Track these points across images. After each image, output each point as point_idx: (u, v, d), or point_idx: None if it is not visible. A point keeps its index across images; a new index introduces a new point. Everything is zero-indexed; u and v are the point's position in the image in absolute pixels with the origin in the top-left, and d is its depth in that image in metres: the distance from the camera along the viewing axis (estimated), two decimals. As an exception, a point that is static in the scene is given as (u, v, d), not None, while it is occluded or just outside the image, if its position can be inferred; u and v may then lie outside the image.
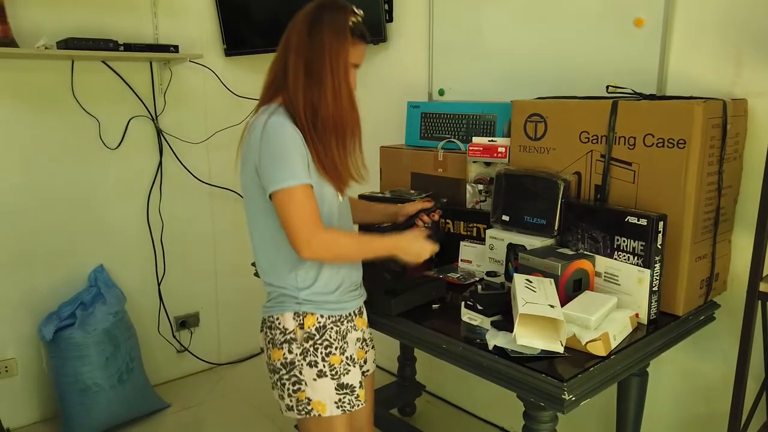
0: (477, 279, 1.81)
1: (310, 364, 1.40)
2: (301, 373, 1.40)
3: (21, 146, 2.33)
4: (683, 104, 1.47)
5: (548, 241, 1.68)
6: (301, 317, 1.41)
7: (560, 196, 1.65)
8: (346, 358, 1.44)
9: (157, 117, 2.60)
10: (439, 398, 2.68)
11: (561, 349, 1.27)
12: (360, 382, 1.46)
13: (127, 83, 2.50)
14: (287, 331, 1.40)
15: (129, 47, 2.33)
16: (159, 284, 2.71)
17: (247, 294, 2.87)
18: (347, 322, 1.47)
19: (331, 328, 1.43)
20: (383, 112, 2.59)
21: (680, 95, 1.67)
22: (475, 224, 1.95)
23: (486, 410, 2.51)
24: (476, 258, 1.88)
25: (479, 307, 1.47)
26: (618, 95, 1.70)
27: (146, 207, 2.65)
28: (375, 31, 2.49)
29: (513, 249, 1.72)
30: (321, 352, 1.41)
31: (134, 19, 2.49)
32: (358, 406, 1.44)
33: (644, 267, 1.46)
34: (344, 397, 1.42)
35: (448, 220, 2.01)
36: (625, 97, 1.67)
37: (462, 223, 1.97)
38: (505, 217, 1.78)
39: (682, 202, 1.49)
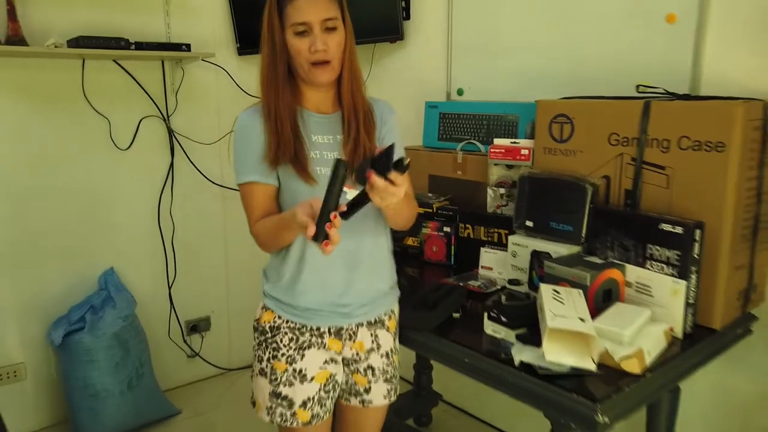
0: (499, 287, 1.73)
1: (258, 359, 1.39)
2: (254, 361, 1.41)
3: (31, 147, 2.28)
4: (722, 105, 1.39)
5: (575, 249, 1.59)
6: (263, 310, 1.40)
7: (588, 201, 1.57)
8: (294, 370, 1.34)
9: (168, 117, 2.55)
10: (456, 408, 2.60)
11: (593, 367, 1.19)
12: (305, 403, 1.35)
13: (138, 82, 2.45)
14: (255, 318, 1.42)
15: (140, 46, 2.28)
16: (170, 288, 2.66)
17: (259, 298, 2.79)
18: (311, 336, 1.36)
19: (285, 334, 1.35)
20: (400, 113, 2.50)
21: (716, 95, 1.58)
22: (496, 229, 1.87)
23: (506, 422, 2.42)
24: (497, 265, 1.80)
25: (504, 320, 1.39)
26: (650, 95, 1.61)
27: (157, 209, 2.59)
28: (392, 28, 2.41)
29: (537, 257, 1.64)
30: (268, 353, 1.36)
31: (146, 17, 2.44)
32: (292, 424, 1.35)
33: (680, 278, 1.37)
34: (276, 408, 1.35)
35: (467, 225, 1.93)
36: (657, 97, 1.58)
37: (482, 228, 1.89)
38: (529, 223, 1.70)
39: (720, 208, 1.40)
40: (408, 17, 2.45)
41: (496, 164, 1.89)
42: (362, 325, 1.40)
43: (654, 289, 1.42)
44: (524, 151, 1.80)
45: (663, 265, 1.40)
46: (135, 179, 2.52)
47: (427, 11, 2.41)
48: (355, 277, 1.36)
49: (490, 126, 2.03)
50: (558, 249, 1.60)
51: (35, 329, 2.36)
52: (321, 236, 1.06)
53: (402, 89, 2.56)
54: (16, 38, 2.06)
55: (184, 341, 2.75)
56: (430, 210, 2.00)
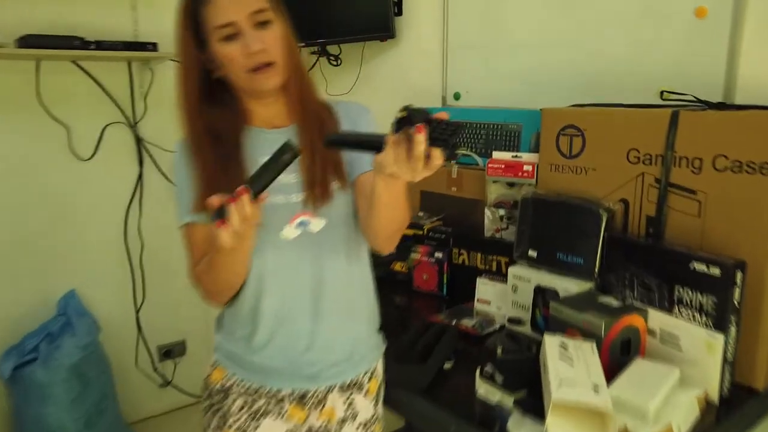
0: (497, 327, 1.48)
1: (205, 427, 1.15)
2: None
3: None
4: (770, 117, 1.13)
5: (586, 286, 1.34)
6: (212, 367, 1.15)
7: (602, 229, 1.32)
8: None
9: (136, 123, 2.31)
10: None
11: (610, 454, 0.94)
12: None
13: (101, 86, 2.22)
14: (204, 376, 1.17)
15: (101, 45, 2.05)
16: (137, 311, 2.43)
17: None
18: (268, 401, 1.11)
19: (237, 397, 1.11)
20: (387, 121, 2.27)
21: (755, 104, 1.32)
22: (495, 257, 1.62)
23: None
24: (496, 298, 1.56)
25: (499, 379, 1.14)
26: (677, 103, 1.36)
27: (124, 225, 2.36)
28: (382, 25, 2.17)
29: (542, 294, 1.39)
30: (216, 421, 1.12)
31: (111, 13, 2.20)
32: None
33: (716, 329, 1.12)
34: None
35: (462, 250, 1.68)
36: (686, 106, 1.33)
37: (479, 254, 1.65)
38: (532, 253, 1.45)
39: (766, 244, 1.14)
40: (400, 13, 2.20)
41: (494, 181, 1.64)
42: (333, 389, 1.14)
43: (683, 341, 1.17)
44: (527, 167, 1.55)
45: (694, 312, 1.15)
46: (99, 192, 2.29)
47: (421, 6, 2.16)
48: (320, 326, 1.10)
49: (489, 136, 1.78)
50: (566, 285, 1.35)
51: (-14, 359, 2.14)
52: (219, 213, 0.85)
53: (393, 93, 2.31)
54: (-44, 37, 1.84)
55: (155, 369, 2.52)
56: (421, 232, 1.76)
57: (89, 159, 2.25)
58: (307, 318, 1.09)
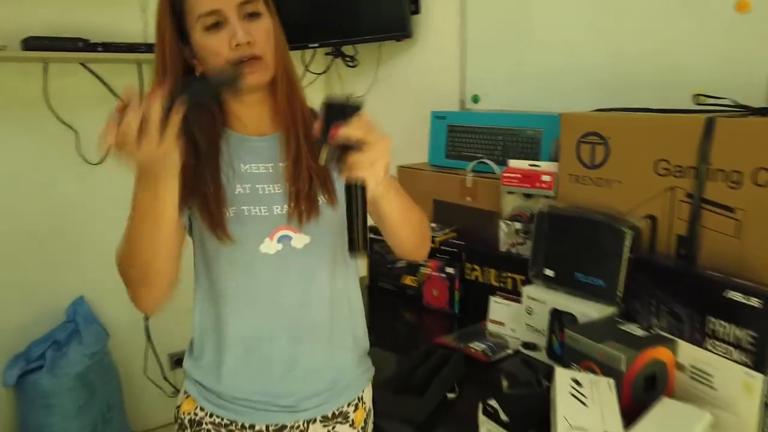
0: (510, 351, 1.36)
1: None
2: None
3: (-14, 163, 2.03)
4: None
5: (608, 310, 1.21)
6: (184, 395, 1.05)
7: (626, 248, 1.19)
8: None
9: (147, 127, 2.26)
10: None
11: None
12: None
13: (110, 89, 2.17)
14: (176, 405, 1.08)
15: (107, 47, 2.00)
16: (147, 319, 2.38)
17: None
18: None
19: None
20: (404, 124, 2.16)
21: (805, 109, 1.17)
22: (509, 274, 1.49)
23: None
24: (510, 319, 1.43)
25: (504, 418, 1.02)
26: (713, 108, 1.21)
27: (134, 230, 2.31)
28: (398, 25, 2.06)
29: (558, 317, 1.27)
30: None
31: (121, 15, 2.15)
32: None
33: (755, 369, 0.98)
34: None
35: (475, 266, 1.56)
36: (723, 111, 1.18)
37: (493, 271, 1.53)
38: (549, 272, 1.33)
39: (815, 271, 1.00)
40: (417, 11, 2.09)
41: (510, 192, 1.52)
42: (314, 421, 1.04)
43: (716, 380, 1.03)
44: (545, 178, 1.43)
45: (730, 347, 1.01)
46: (108, 197, 2.23)
47: (439, 3, 2.04)
48: (300, 351, 1.00)
49: (507, 142, 1.66)
50: (585, 309, 1.22)
51: (-6, 365, 2.12)
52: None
53: (408, 96, 2.20)
54: (-39, 40, 1.81)
55: (164, 377, 2.47)
56: (432, 244, 1.64)
57: (98, 163, 2.20)
58: (284, 342, 0.99)
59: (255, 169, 0.98)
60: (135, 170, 0.80)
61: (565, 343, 1.15)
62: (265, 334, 0.98)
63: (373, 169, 0.78)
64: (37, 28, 1.95)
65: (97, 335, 2.15)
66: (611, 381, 1.00)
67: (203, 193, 0.93)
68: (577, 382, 1.00)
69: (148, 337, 2.39)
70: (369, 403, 1.12)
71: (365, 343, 1.12)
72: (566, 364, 1.13)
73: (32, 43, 1.85)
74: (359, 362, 1.10)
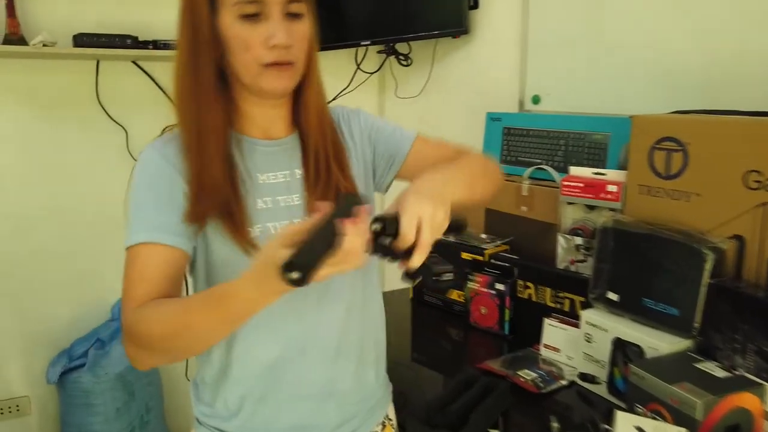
0: (566, 383, 1.21)
1: None
2: None
3: (37, 159, 2.04)
4: None
5: (681, 344, 1.05)
6: None
7: (706, 273, 1.02)
8: None
9: (195, 126, 2.23)
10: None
11: None
12: None
13: (160, 87, 2.15)
14: None
15: (156, 44, 1.97)
16: (190, 321, 2.34)
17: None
18: None
19: None
20: (457, 126, 2.03)
21: None
22: (567, 294, 1.34)
23: None
24: (567, 346, 1.28)
25: (551, 468, 0.88)
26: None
27: (180, 230, 2.28)
28: (455, 20, 1.93)
29: (622, 348, 1.11)
30: None
31: (171, 11, 2.12)
32: None
33: None
34: None
35: (528, 283, 1.41)
36: (832, 114, 1.00)
37: (548, 290, 1.37)
38: (613, 295, 1.17)
39: None
40: (476, 6, 1.95)
41: (570, 203, 1.36)
42: None
43: (817, 438, 0.85)
44: (611, 188, 1.27)
45: (837, 400, 0.83)
46: (156, 196, 2.23)
47: (500, -2, 1.90)
48: (338, 370, 0.92)
49: (569, 148, 1.50)
50: (654, 341, 1.06)
51: (41, 361, 2.12)
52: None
53: (463, 96, 2.06)
54: (14, 37, 1.81)
55: (206, 381, 2.43)
56: (481, 258, 1.51)
57: (147, 162, 2.19)
58: (321, 362, 0.91)
59: (273, 179, 0.89)
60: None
61: (629, 380, 0.99)
62: (293, 355, 0.89)
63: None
64: (87, 26, 1.94)
65: (140, 335, 2.13)
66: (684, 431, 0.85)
67: (228, 213, 0.83)
68: (641, 430, 0.85)
69: (191, 339, 2.36)
70: (394, 420, 1.07)
71: (384, 355, 1.05)
72: (630, 406, 0.98)
73: (82, 40, 1.84)
74: (384, 379, 1.04)
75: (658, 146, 1.14)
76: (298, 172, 0.89)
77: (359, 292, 0.95)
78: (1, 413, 2.10)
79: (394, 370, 1.06)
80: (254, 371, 0.89)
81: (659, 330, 1.08)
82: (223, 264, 0.85)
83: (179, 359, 0.86)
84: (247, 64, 0.83)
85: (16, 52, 1.81)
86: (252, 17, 0.81)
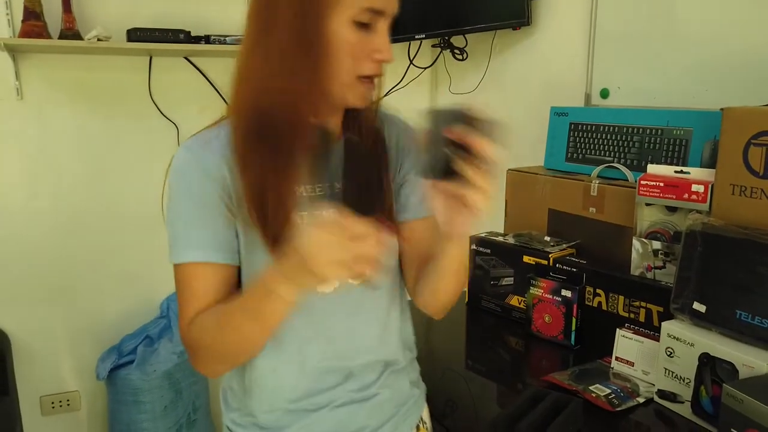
0: (641, 400, 1.10)
1: None
2: None
3: (92, 156, 2.05)
4: None
5: (783, 364, 0.93)
6: None
7: (813, 284, 0.90)
8: None
9: (246, 122, 2.20)
10: None
11: None
12: None
13: (211, 83, 2.13)
14: None
15: (209, 40, 1.94)
16: (238, 320, 2.32)
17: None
18: None
19: None
20: (518, 122, 1.93)
21: None
22: (643, 303, 1.23)
23: None
24: (642, 360, 1.17)
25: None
26: None
27: (230, 227, 2.26)
28: (516, 11, 1.84)
29: (712, 366, 1.00)
30: None
31: (224, 6, 2.10)
32: None
33: None
34: None
35: (599, 290, 1.31)
36: None
37: (621, 298, 1.27)
38: (699, 306, 1.05)
39: None
40: (538, -4, 1.85)
41: (648, 204, 1.25)
42: None
43: None
44: (697, 188, 1.15)
45: None
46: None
47: (564, -14, 1.79)
48: (372, 383, 0.90)
49: (644, 144, 1.38)
50: (750, 358, 0.95)
51: (91, 356, 2.13)
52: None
53: (525, 90, 1.96)
54: (70, 32, 1.82)
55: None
56: (545, 262, 1.41)
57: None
58: (369, 368, 0.89)
59: (310, 192, 0.83)
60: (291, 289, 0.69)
61: (720, 401, 0.88)
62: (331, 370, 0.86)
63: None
64: (141, 21, 1.93)
65: (188, 333, 2.11)
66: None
67: (264, 221, 0.78)
68: (745, 464, 0.74)
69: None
70: (429, 422, 1.02)
71: (415, 357, 1.01)
72: (723, 430, 0.87)
73: (136, 35, 1.83)
74: (417, 381, 1.00)
75: (754, 141, 1.03)
76: (337, 185, 0.83)
77: (385, 307, 0.91)
78: (53, 407, 2.12)
79: (445, 376, 1.00)
80: (288, 392, 0.87)
81: (755, 346, 0.97)
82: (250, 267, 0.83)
83: (239, 362, 0.85)
84: (344, 71, 0.76)
85: (71, 47, 1.81)
86: (364, 26, 0.75)
